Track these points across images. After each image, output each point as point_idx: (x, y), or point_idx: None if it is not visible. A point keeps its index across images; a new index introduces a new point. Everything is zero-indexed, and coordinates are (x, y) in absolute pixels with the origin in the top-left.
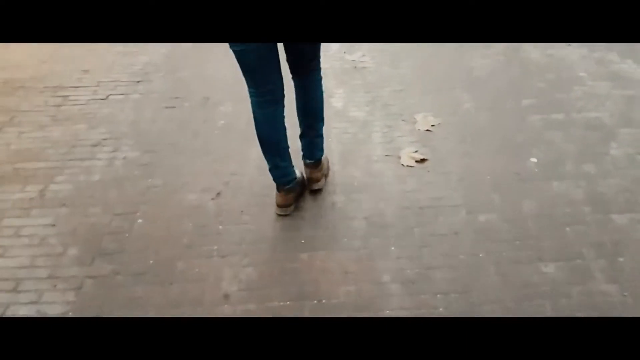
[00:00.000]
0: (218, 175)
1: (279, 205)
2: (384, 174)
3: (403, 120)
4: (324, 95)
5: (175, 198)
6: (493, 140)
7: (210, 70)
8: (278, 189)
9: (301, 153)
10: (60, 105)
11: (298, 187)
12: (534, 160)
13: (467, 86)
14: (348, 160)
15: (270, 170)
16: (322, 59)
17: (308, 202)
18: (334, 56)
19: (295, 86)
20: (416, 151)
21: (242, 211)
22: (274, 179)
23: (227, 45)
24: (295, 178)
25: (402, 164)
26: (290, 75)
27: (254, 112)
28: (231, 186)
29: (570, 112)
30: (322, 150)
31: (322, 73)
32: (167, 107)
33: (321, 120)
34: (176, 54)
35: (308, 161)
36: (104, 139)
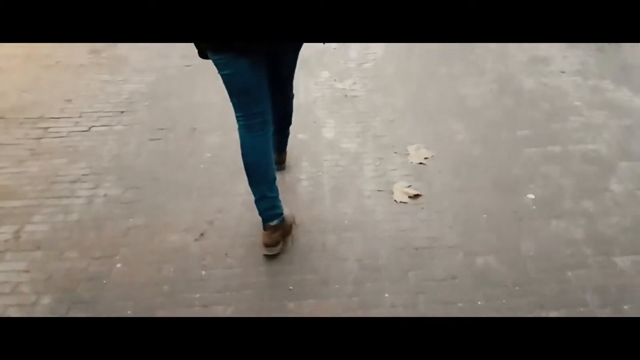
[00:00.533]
0: (202, 213)
1: (266, 245)
2: (376, 210)
3: (395, 152)
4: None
5: (156, 240)
6: (488, 174)
7: (198, 98)
8: (265, 226)
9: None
10: (40, 138)
11: (285, 225)
12: (531, 196)
13: (460, 116)
14: (339, 195)
15: (256, 202)
16: (312, 87)
17: (297, 241)
18: (324, 84)
19: (272, 99)
20: (409, 186)
21: (226, 254)
22: (261, 213)
23: (215, 73)
24: (283, 214)
25: (395, 200)
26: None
27: (241, 138)
28: (216, 226)
29: (567, 144)
30: (286, 143)
31: (311, 101)
32: (151, 139)
33: (290, 123)
34: (163, 82)
35: (277, 151)
36: (85, 175)
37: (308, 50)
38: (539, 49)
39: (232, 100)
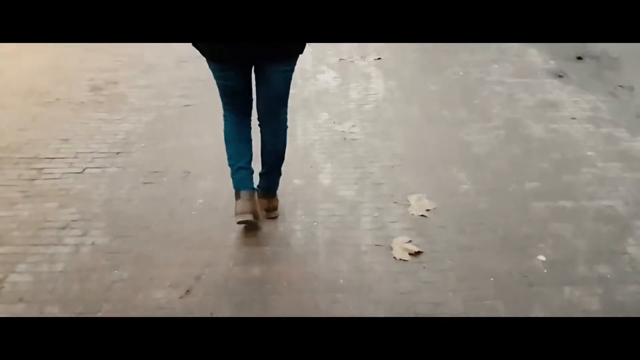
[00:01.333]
0: (190, 266)
1: (237, 213)
2: (374, 269)
3: (395, 203)
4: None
5: (140, 296)
6: (495, 231)
7: (194, 140)
8: (237, 195)
9: (257, 191)
10: (33, 179)
11: (256, 200)
12: (541, 258)
13: (464, 164)
14: (335, 249)
15: (232, 174)
16: (311, 130)
17: (288, 302)
18: (322, 126)
19: (264, 132)
20: (410, 241)
21: (212, 313)
22: (235, 184)
23: (214, 113)
24: (254, 189)
25: (395, 257)
26: (258, 123)
27: (225, 117)
28: (203, 281)
29: (580, 199)
30: (278, 184)
31: (309, 144)
32: (144, 183)
33: (282, 161)
34: (160, 122)
35: (265, 194)
36: (74, 221)
37: (307, 90)
38: (548, 93)
39: (221, 99)
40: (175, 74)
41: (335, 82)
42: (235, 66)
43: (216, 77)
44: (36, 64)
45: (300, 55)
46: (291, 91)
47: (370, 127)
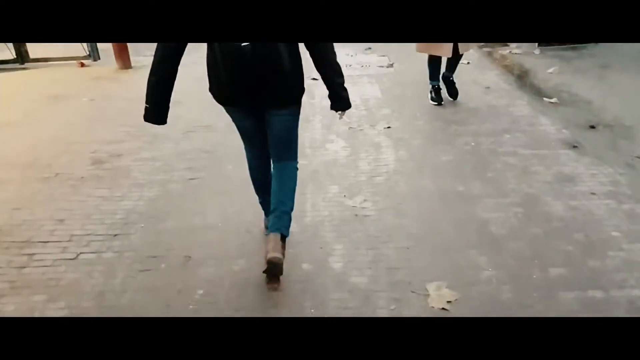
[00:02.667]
0: None
1: (267, 227)
2: None
3: (413, 292)
4: None
5: None
6: None
7: (197, 219)
8: (266, 214)
9: (266, 232)
10: (23, 267)
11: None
12: None
13: (483, 246)
14: None
15: (260, 202)
16: (320, 205)
17: None
18: (332, 200)
19: (275, 171)
20: None
21: None
22: (264, 209)
23: (219, 187)
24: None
25: None
26: (272, 160)
27: (248, 162)
28: None
29: (609, 289)
30: (288, 227)
31: (319, 221)
32: (141, 270)
33: (291, 201)
34: (163, 199)
35: (273, 234)
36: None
37: (317, 161)
38: (564, 165)
39: (241, 138)
40: (182, 145)
41: (345, 152)
42: (245, 109)
43: (232, 119)
44: (41, 134)
45: (309, 122)
46: (301, 162)
47: (382, 202)
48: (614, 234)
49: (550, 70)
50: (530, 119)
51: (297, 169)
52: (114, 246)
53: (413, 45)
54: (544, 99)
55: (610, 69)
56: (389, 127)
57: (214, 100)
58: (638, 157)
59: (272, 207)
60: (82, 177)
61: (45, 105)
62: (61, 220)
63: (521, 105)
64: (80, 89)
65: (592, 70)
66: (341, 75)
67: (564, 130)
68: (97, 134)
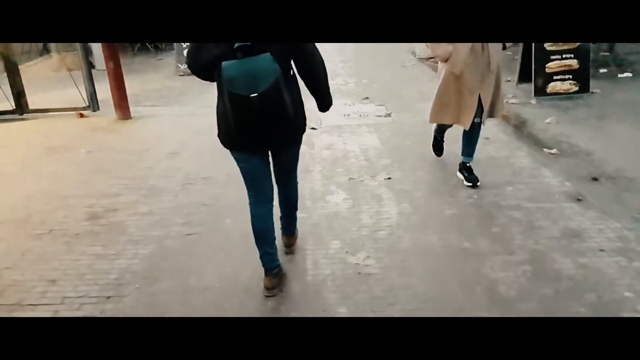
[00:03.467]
0: None
1: (267, 288)
2: None
3: None
4: None
5: None
6: None
7: (193, 279)
8: (266, 273)
9: (281, 232)
10: None
11: (281, 275)
12: None
13: (493, 308)
14: None
15: (261, 257)
16: (321, 262)
17: None
18: (334, 257)
19: (280, 191)
20: None
21: None
22: (264, 265)
23: (217, 243)
24: (280, 265)
25: None
26: (275, 181)
27: (251, 210)
28: None
29: None
30: (295, 227)
31: (321, 280)
32: None
33: (296, 208)
34: (158, 256)
35: (286, 234)
36: None
37: (317, 214)
38: (569, 219)
39: (245, 183)
40: (180, 198)
41: (346, 204)
42: (254, 154)
43: (239, 165)
44: (36, 188)
45: (309, 173)
46: (301, 214)
47: (386, 258)
48: (627, 294)
49: (548, 120)
50: (531, 171)
51: (297, 183)
52: (106, 309)
53: (410, 95)
54: (544, 149)
55: (607, 119)
56: (389, 178)
57: (213, 151)
58: None
59: (281, 214)
60: (76, 234)
61: (42, 157)
62: (53, 281)
63: (521, 156)
64: (78, 141)
65: (589, 120)
66: (330, 95)
67: (566, 183)
68: (94, 188)
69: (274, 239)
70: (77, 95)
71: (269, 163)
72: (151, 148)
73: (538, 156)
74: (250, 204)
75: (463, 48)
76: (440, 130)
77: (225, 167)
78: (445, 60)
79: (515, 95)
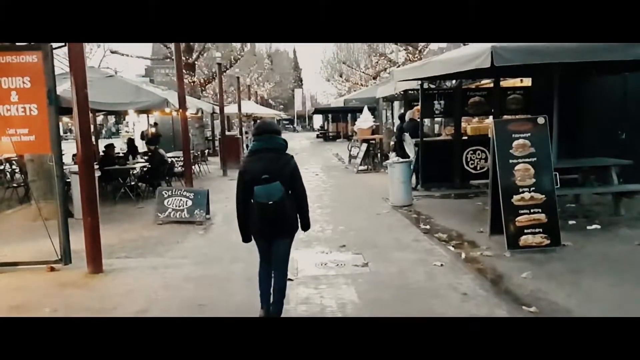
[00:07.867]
0: None
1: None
2: None
3: None
4: None
5: None
6: None
7: None
8: (262, 307)
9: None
10: None
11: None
12: None
13: None
14: None
15: (260, 296)
16: None
17: None
18: None
19: (274, 275)
20: None
21: None
22: (261, 302)
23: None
24: (270, 306)
25: None
26: (272, 268)
27: (260, 265)
28: None
29: None
30: (281, 310)
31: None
32: None
33: (284, 295)
34: None
35: (273, 313)
36: None
37: None
38: None
39: (259, 254)
40: None
41: None
42: (265, 238)
43: (257, 244)
44: None
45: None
46: None
47: None
48: None
49: (524, 275)
50: None
51: (286, 274)
52: None
53: (386, 243)
54: (523, 307)
55: (582, 274)
56: None
57: (182, 308)
58: None
59: (272, 299)
60: None
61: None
62: None
63: (502, 314)
64: (44, 299)
65: (565, 275)
66: (308, 214)
67: None
68: None
69: (271, 286)
70: (49, 248)
71: (271, 247)
72: (118, 306)
73: (518, 315)
74: (260, 269)
75: None
76: None
77: None
78: None
79: (490, 247)
